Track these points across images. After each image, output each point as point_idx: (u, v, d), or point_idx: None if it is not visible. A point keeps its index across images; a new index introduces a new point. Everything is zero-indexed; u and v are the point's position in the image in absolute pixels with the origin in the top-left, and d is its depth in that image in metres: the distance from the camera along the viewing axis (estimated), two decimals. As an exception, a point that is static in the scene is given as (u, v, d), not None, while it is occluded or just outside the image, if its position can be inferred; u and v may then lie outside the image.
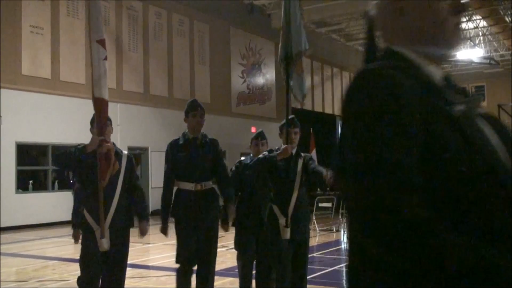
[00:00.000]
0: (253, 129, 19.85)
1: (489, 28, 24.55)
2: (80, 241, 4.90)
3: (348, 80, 28.33)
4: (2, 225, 12.32)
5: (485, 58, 28.33)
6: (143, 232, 4.45)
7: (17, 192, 13.32)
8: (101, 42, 4.21)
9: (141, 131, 16.19)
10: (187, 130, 4.76)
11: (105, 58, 4.21)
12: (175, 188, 4.65)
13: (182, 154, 4.58)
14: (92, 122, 4.36)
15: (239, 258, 5.09)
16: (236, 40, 21.04)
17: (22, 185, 13.63)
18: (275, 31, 22.10)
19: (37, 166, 14.36)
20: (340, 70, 27.83)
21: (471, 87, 33.77)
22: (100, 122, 4.13)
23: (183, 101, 18.09)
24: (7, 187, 12.97)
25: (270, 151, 4.65)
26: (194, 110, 4.72)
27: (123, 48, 16.22)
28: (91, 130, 4.33)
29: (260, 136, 5.30)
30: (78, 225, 5.01)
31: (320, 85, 26.11)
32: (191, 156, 4.58)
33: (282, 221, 4.39)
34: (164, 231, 4.60)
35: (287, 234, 4.35)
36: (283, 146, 4.49)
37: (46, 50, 14.16)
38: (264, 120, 20.09)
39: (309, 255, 5.71)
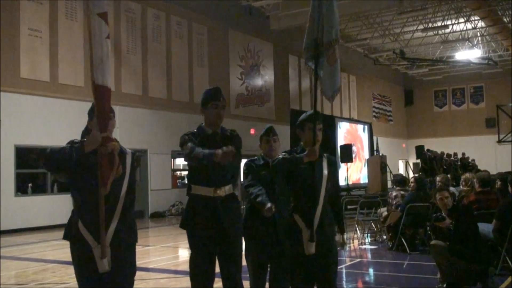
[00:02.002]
0: (252, 131, 19.86)
1: (488, 28, 24.58)
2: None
3: (347, 81, 28.46)
4: (2, 228, 12.31)
5: (483, 58, 28.36)
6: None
7: (16, 195, 13.31)
8: (103, 16, 3.43)
9: (140, 133, 16.18)
10: (203, 124, 4.00)
11: (108, 37, 3.43)
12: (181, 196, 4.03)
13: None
14: (90, 113, 3.55)
15: (251, 275, 4.39)
16: (235, 41, 21.05)
17: (21, 188, 13.61)
18: (274, 33, 22.16)
19: (36, 169, 14.33)
20: (338, 71, 27.81)
21: (470, 88, 33.81)
22: (102, 115, 3.35)
23: (182, 103, 18.28)
24: (6, 190, 12.95)
25: (290, 152, 3.98)
26: (215, 100, 3.91)
27: (121, 51, 16.22)
28: (89, 123, 3.57)
29: (271, 131, 4.57)
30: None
31: (319, 86, 26.07)
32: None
33: (306, 234, 3.76)
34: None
35: (311, 248, 3.74)
36: (310, 147, 3.78)
37: (45, 53, 14.16)
38: (263, 121, 20.07)
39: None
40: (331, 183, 3.95)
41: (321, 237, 3.76)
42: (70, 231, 3.82)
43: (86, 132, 4.10)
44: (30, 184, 13.84)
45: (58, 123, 13.80)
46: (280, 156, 3.93)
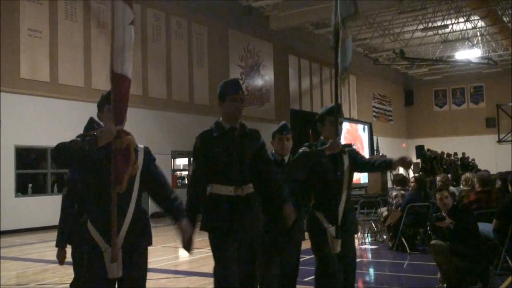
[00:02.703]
0: (252, 131, 19.84)
1: (487, 28, 24.58)
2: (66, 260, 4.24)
3: (347, 82, 28.38)
4: (2, 229, 12.31)
5: (483, 58, 28.35)
6: (185, 233, 3.23)
7: (16, 195, 13.31)
8: (127, 0, 3.13)
9: (140, 133, 16.13)
10: (221, 119, 3.73)
11: (132, 23, 3.17)
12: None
13: (218, 150, 3.58)
14: (101, 105, 3.30)
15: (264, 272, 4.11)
16: (235, 42, 21.05)
17: (21, 188, 13.61)
18: (273, 33, 22.16)
19: (36, 170, 14.34)
20: (338, 71, 27.82)
21: (470, 87, 33.81)
22: (120, 107, 3.05)
23: (182, 104, 18.29)
24: (7, 190, 12.95)
25: (310, 146, 3.85)
26: (234, 93, 3.66)
27: (121, 51, 16.21)
28: (100, 115, 3.32)
29: (284, 129, 4.40)
30: (65, 242, 4.24)
31: (319, 86, 26.11)
32: (228, 152, 3.58)
33: (331, 230, 3.61)
34: (188, 246, 3.41)
35: (338, 246, 3.59)
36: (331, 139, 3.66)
37: (45, 53, 14.15)
38: (263, 121, 20.06)
39: (304, 258, 5.68)
40: (364, 161, 3.87)
41: (344, 234, 3.63)
42: (74, 235, 3.84)
43: (89, 128, 4.02)
44: (30, 185, 13.84)
45: (58, 124, 13.80)
46: (301, 150, 3.77)
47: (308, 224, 3.79)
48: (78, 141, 2.97)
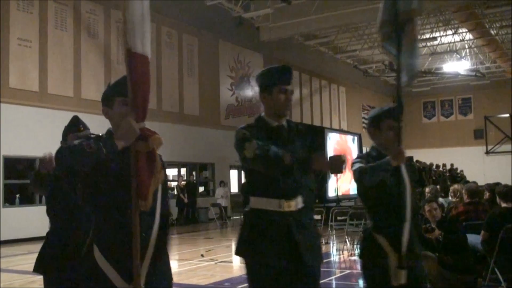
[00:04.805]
0: (242, 142, 19.84)
1: (475, 41, 24.85)
2: None
3: (337, 92, 28.57)
4: (-11, 240, 12.18)
5: (471, 70, 28.63)
6: None
7: (4, 206, 13.19)
8: None
9: (130, 144, 16.09)
10: (263, 114, 3.03)
11: None
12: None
13: None
14: (109, 98, 2.52)
15: None
16: (225, 52, 21.11)
17: (9, 199, 13.49)
18: (264, 44, 22.24)
19: (24, 180, 14.21)
20: (328, 83, 27.98)
21: (458, 99, 34.09)
22: (141, 97, 2.40)
23: (172, 114, 18.28)
24: (-6, 201, 12.83)
25: (363, 157, 3.25)
26: (284, 82, 2.96)
27: (111, 61, 16.20)
28: (108, 112, 2.52)
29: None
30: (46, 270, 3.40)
31: (308, 97, 26.20)
32: None
33: (394, 259, 2.98)
34: None
35: (402, 277, 2.92)
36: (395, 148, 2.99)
37: (34, 62, 14.10)
38: (253, 132, 20.06)
39: None
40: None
41: (410, 262, 3.02)
42: (50, 260, 3.20)
43: (72, 129, 3.47)
44: (18, 195, 13.72)
45: (47, 134, 13.69)
46: (358, 164, 3.11)
47: (365, 251, 3.18)
48: (92, 143, 2.23)
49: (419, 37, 22.56)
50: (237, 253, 2.89)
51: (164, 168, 2.46)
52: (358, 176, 3.07)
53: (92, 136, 2.47)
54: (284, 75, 2.99)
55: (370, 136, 3.38)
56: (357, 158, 3.24)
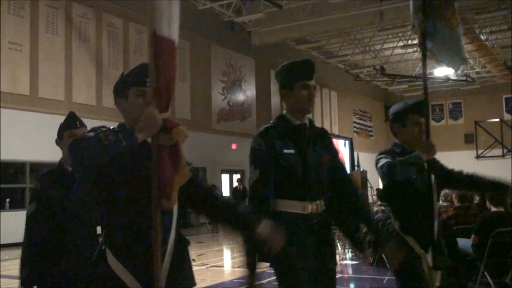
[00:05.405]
0: (234, 146, 19.88)
1: (465, 46, 24.98)
2: None
3: (328, 96, 28.63)
4: (-22, 244, 12.08)
5: (461, 75, 28.81)
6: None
7: (-7, 210, 13.09)
8: None
9: (121, 148, 16.04)
10: (285, 112, 2.86)
11: None
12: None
13: (290, 151, 2.69)
14: (124, 87, 2.32)
15: None
16: (217, 57, 21.12)
17: (-1, 203, 13.41)
18: (256, 48, 22.28)
19: (14, 184, 14.13)
20: (320, 87, 28.03)
21: (449, 104, 34.28)
22: (165, 85, 2.19)
23: (164, 118, 18.16)
24: (-16, 205, 12.74)
25: (388, 152, 3.11)
26: (306, 77, 2.75)
27: (103, 65, 16.15)
28: (121, 104, 2.32)
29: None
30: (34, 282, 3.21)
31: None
32: (301, 155, 2.70)
33: (426, 259, 2.86)
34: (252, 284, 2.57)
35: (437, 279, 2.85)
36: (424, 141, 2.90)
37: (25, 66, 14.03)
38: (245, 136, 20.07)
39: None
40: (447, 172, 3.20)
41: (443, 263, 2.93)
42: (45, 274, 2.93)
43: (70, 126, 3.20)
44: (8, 199, 13.63)
45: (38, 138, 13.64)
46: (384, 159, 2.95)
47: (394, 253, 3.02)
48: (110, 134, 2.00)
49: (414, 40, 22.25)
50: (261, 259, 2.65)
51: (189, 164, 2.20)
52: (388, 170, 2.92)
53: (104, 129, 2.17)
54: (307, 70, 2.78)
55: (392, 132, 3.25)
56: (381, 154, 3.13)
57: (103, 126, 2.22)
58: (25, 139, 13.62)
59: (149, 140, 2.11)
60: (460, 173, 3.42)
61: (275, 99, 24.39)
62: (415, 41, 23.86)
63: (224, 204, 2.38)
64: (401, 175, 2.86)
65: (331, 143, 2.89)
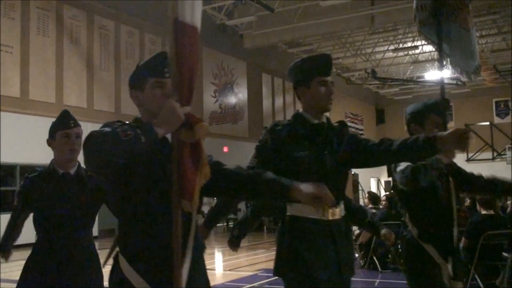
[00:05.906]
0: (225, 149, 19.84)
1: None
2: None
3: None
4: (-33, 248, 11.97)
5: (452, 79, 28.93)
6: None
7: (-17, 213, 12.99)
8: None
9: (112, 150, 15.96)
10: (301, 111, 2.72)
11: None
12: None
13: (304, 154, 2.51)
14: (140, 79, 2.19)
15: None
16: (208, 59, 21.10)
17: (-12, 206, 13.30)
18: (247, 51, 22.29)
19: (5, 187, 14.03)
20: (311, 90, 28.11)
21: (440, 107, 34.48)
22: (188, 76, 2.00)
23: (155, 121, 18.12)
24: (-27, 208, 12.63)
25: None
26: (324, 73, 2.59)
27: (94, 67, 16.09)
28: (137, 96, 2.25)
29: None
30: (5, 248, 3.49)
31: (292, 105, 26.27)
32: (319, 157, 2.53)
33: (447, 269, 2.70)
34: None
35: None
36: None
37: (16, 68, 13.96)
38: (237, 139, 20.09)
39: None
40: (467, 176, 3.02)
41: (462, 273, 2.84)
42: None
43: (63, 125, 3.08)
44: (-3, 202, 13.53)
45: (28, 140, 13.57)
46: (405, 163, 2.75)
47: (412, 261, 2.89)
48: (128, 129, 1.82)
49: (417, 41, 22.41)
50: (276, 272, 2.56)
51: (209, 156, 2.06)
52: (411, 174, 2.71)
53: (120, 123, 2.01)
54: (324, 65, 2.61)
55: (409, 133, 3.06)
56: None
57: (119, 121, 2.05)
58: (16, 141, 13.53)
59: (168, 136, 1.96)
60: (480, 177, 3.22)
61: (267, 102, 24.42)
62: (406, 45, 24.07)
63: (251, 176, 2.17)
64: (426, 180, 2.71)
65: (348, 133, 2.71)
